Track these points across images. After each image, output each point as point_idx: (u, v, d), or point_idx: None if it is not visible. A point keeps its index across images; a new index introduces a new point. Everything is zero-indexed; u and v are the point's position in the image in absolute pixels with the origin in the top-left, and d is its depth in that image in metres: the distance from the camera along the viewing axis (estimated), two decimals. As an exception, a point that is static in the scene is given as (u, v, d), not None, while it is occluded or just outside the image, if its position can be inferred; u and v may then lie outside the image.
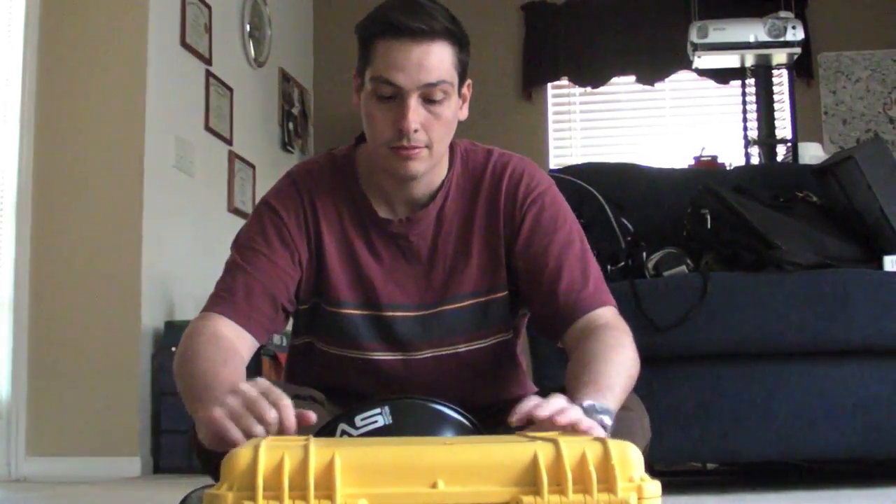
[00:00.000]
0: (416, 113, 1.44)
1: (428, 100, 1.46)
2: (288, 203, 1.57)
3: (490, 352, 1.62)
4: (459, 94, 1.52)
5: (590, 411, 1.21)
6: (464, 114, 1.56)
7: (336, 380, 1.62)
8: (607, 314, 1.53)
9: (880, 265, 2.62)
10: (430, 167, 1.53)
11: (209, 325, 1.47)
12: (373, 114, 1.48)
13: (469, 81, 1.55)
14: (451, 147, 1.59)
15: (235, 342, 1.46)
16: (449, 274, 1.58)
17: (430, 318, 1.58)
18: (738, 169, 3.83)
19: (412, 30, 1.42)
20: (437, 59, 1.44)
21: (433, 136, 1.48)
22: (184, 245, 4.23)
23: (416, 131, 1.45)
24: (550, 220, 1.58)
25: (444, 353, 1.60)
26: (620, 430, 1.50)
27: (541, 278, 1.55)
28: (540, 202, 1.58)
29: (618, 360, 1.39)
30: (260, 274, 1.52)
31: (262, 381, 1.18)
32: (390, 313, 1.57)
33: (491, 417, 1.40)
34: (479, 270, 1.58)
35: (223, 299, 1.50)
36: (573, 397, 1.26)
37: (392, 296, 1.57)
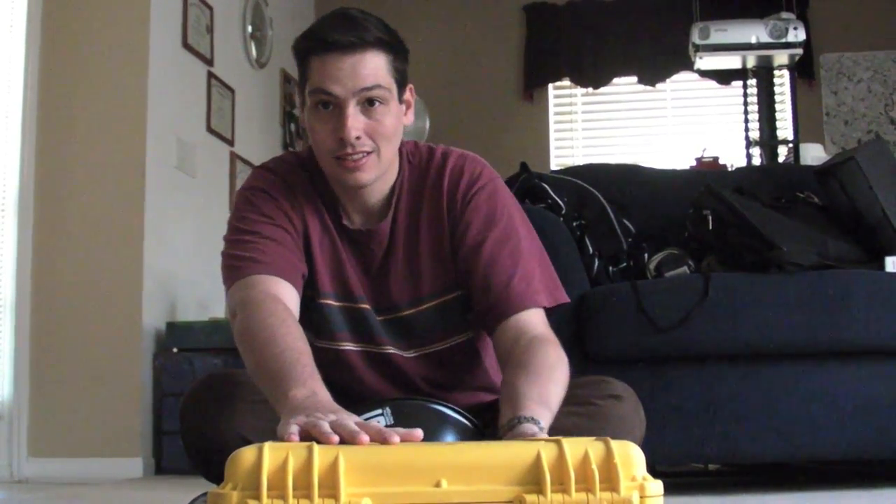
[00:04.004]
0: (355, 119, 1.46)
1: (366, 106, 1.47)
2: (273, 186, 1.59)
3: (453, 352, 1.64)
4: (401, 101, 1.54)
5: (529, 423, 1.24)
6: (409, 119, 1.58)
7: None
8: (535, 319, 1.51)
9: (881, 266, 2.62)
10: (380, 174, 1.54)
11: (257, 289, 1.46)
12: (314, 126, 1.50)
13: (410, 86, 1.56)
14: (398, 151, 1.60)
15: (286, 301, 1.46)
16: (402, 282, 1.59)
17: (389, 323, 1.61)
18: (739, 170, 3.83)
19: (343, 43, 1.45)
20: (371, 67, 1.47)
21: (378, 142, 1.49)
22: (185, 246, 4.23)
23: (358, 138, 1.47)
24: (487, 216, 1.57)
25: (407, 355, 1.62)
26: (615, 418, 1.52)
27: (475, 274, 1.55)
28: (478, 197, 1.58)
29: (560, 380, 1.40)
30: (277, 236, 1.53)
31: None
32: (363, 306, 1.60)
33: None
34: (430, 274, 1.59)
35: (254, 261, 1.50)
36: (517, 409, 1.28)
37: (361, 293, 1.60)
